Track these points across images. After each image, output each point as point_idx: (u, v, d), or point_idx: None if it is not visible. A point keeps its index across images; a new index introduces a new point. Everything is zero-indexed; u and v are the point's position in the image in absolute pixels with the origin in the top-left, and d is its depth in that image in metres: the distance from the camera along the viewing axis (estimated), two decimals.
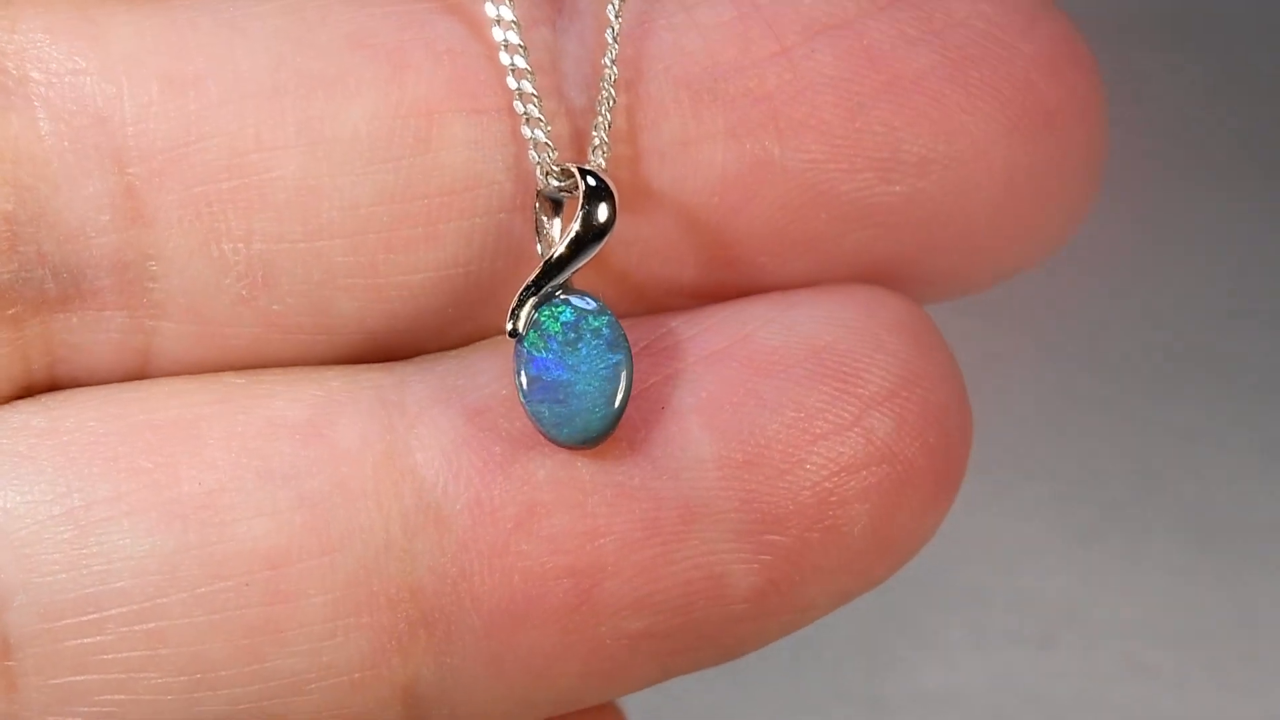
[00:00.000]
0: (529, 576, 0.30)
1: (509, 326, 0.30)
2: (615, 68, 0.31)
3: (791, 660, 0.50)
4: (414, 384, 0.31)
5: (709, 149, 0.31)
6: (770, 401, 0.30)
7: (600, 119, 0.30)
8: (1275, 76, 0.50)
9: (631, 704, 0.49)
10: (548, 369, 0.30)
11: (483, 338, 0.32)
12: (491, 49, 0.31)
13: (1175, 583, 0.51)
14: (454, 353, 0.32)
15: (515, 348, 0.30)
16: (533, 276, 0.30)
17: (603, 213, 0.30)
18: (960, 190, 0.32)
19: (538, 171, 0.30)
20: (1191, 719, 0.50)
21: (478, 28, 0.31)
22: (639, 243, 0.32)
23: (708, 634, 0.31)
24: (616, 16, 0.31)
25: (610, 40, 0.31)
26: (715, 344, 0.31)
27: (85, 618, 0.29)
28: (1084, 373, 0.52)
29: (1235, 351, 0.51)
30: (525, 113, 0.30)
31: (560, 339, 0.30)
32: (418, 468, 0.30)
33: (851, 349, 0.31)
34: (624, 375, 0.30)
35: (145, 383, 0.31)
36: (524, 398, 0.30)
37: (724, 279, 0.32)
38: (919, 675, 0.51)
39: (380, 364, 0.31)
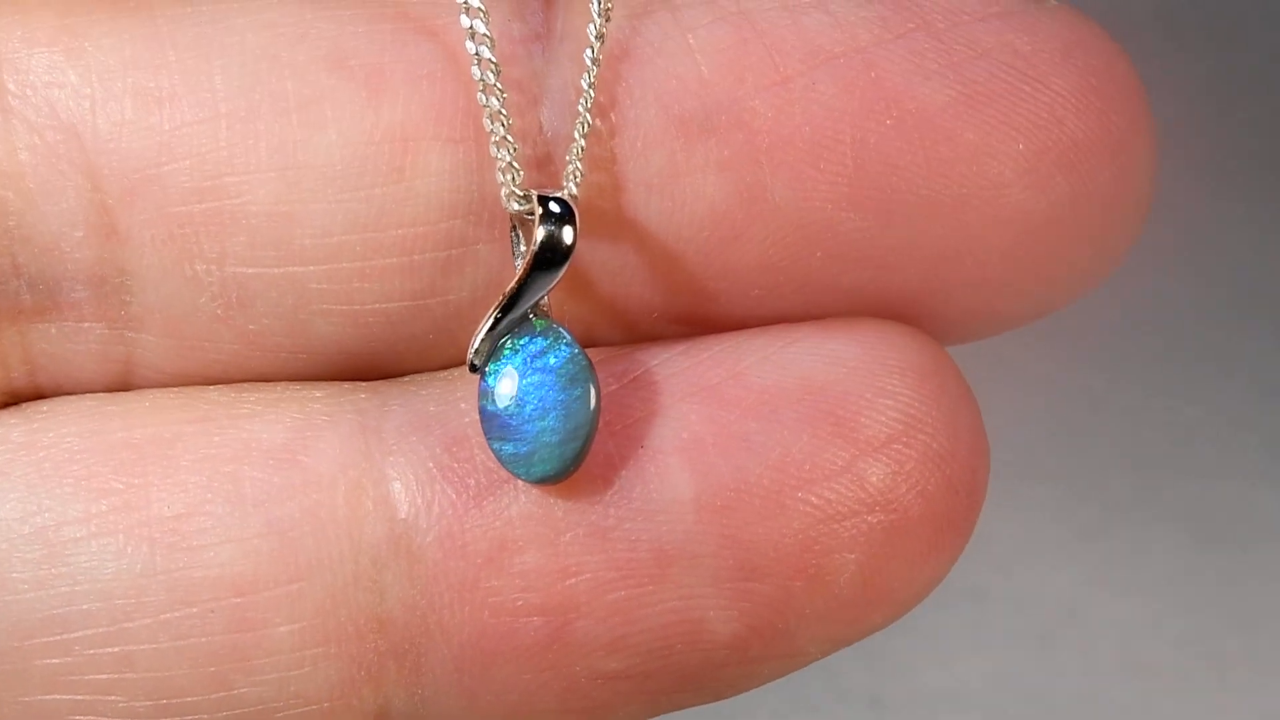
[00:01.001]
0: (499, 612, 0.29)
1: (469, 359, 0.29)
2: (593, 92, 0.30)
3: None
4: (395, 409, 0.30)
5: (699, 181, 0.30)
6: (756, 443, 0.29)
7: (575, 144, 0.30)
8: (1275, 77, 0.50)
9: None
10: (502, 406, 0.29)
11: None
12: (476, 72, 0.30)
13: (1175, 582, 0.51)
14: (441, 375, 0.31)
15: (479, 382, 0.30)
16: (494, 308, 0.29)
17: (563, 238, 0.29)
18: (970, 233, 0.30)
19: (502, 193, 0.30)
20: (1191, 718, 0.50)
21: (459, 50, 0.30)
22: (624, 271, 0.31)
23: (690, 677, 0.30)
24: (597, 38, 0.30)
25: (589, 63, 0.30)
26: (704, 380, 0.30)
27: (53, 638, 0.28)
28: (1085, 373, 0.52)
29: (1235, 351, 0.51)
30: (493, 132, 0.29)
31: (519, 373, 0.29)
32: (391, 497, 0.29)
33: (849, 391, 0.29)
34: (585, 411, 0.29)
35: (128, 395, 0.30)
36: (484, 433, 0.29)
37: (714, 311, 0.31)
38: (918, 674, 0.51)
39: (366, 384, 0.31)
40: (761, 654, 0.30)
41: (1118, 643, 0.50)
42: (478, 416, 0.30)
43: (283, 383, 0.30)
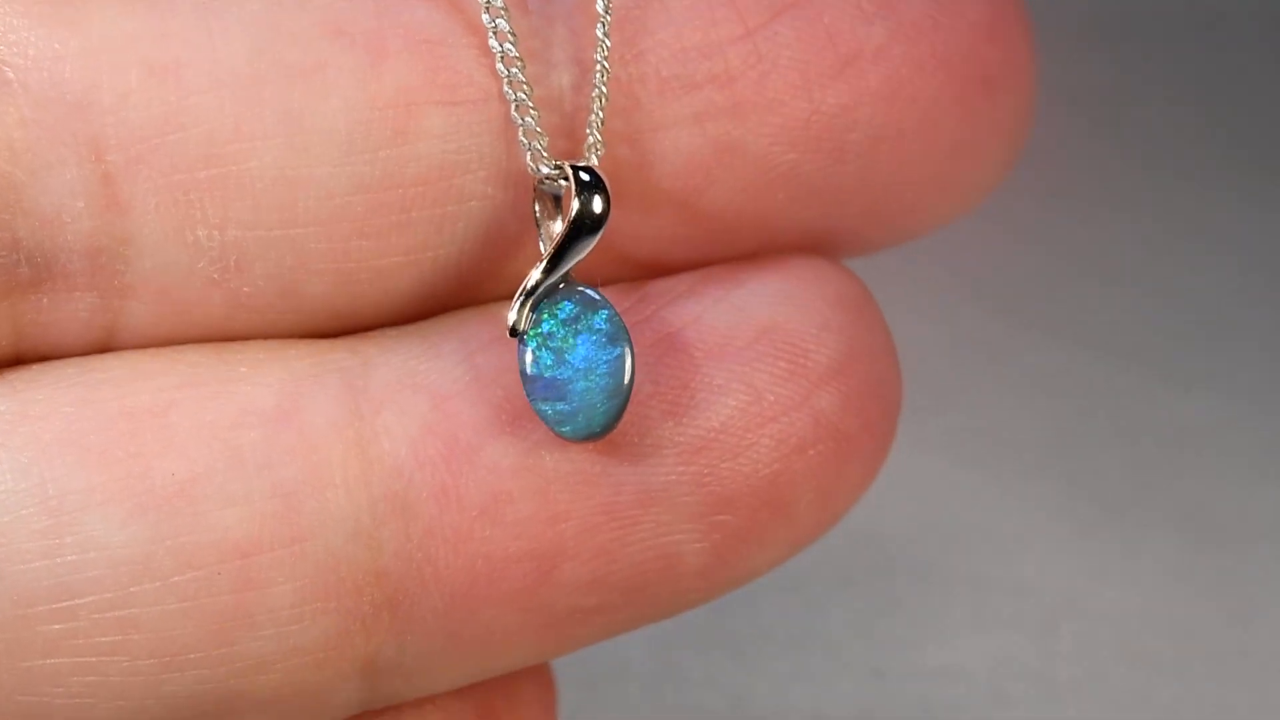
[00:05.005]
0: (491, 561, 0.30)
1: (509, 325, 0.30)
2: (606, 63, 0.30)
3: (793, 636, 0.51)
4: (379, 366, 0.30)
5: (676, 134, 0.31)
6: (722, 384, 0.30)
7: (594, 115, 0.30)
8: (1273, 77, 0.50)
9: (633, 675, 0.50)
10: (547, 366, 0.30)
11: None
12: (471, 36, 0.30)
13: (1174, 577, 0.51)
14: (416, 329, 0.31)
15: (517, 346, 0.30)
16: (531, 274, 0.30)
17: (596, 207, 0.30)
18: (908, 162, 0.32)
19: (527, 158, 0.30)
20: (1190, 708, 0.50)
21: (459, 13, 0.30)
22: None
23: (659, 604, 0.31)
24: (606, 10, 0.30)
25: (600, 35, 0.30)
26: (668, 326, 0.31)
27: (58, 605, 0.28)
28: (1086, 371, 0.52)
29: (1235, 349, 0.51)
30: (515, 101, 0.30)
31: (559, 335, 0.30)
32: (385, 456, 0.29)
33: (799, 327, 0.31)
34: (624, 369, 0.30)
35: (111, 359, 0.30)
36: (527, 395, 0.30)
37: (680, 253, 0.32)
38: (920, 651, 0.51)
39: (344, 341, 0.31)
40: (723, 580, 0.31)
41: (1117, 633, 0.50)
42: (461, 372, 0.30)
43: (258, 340, 0.31)
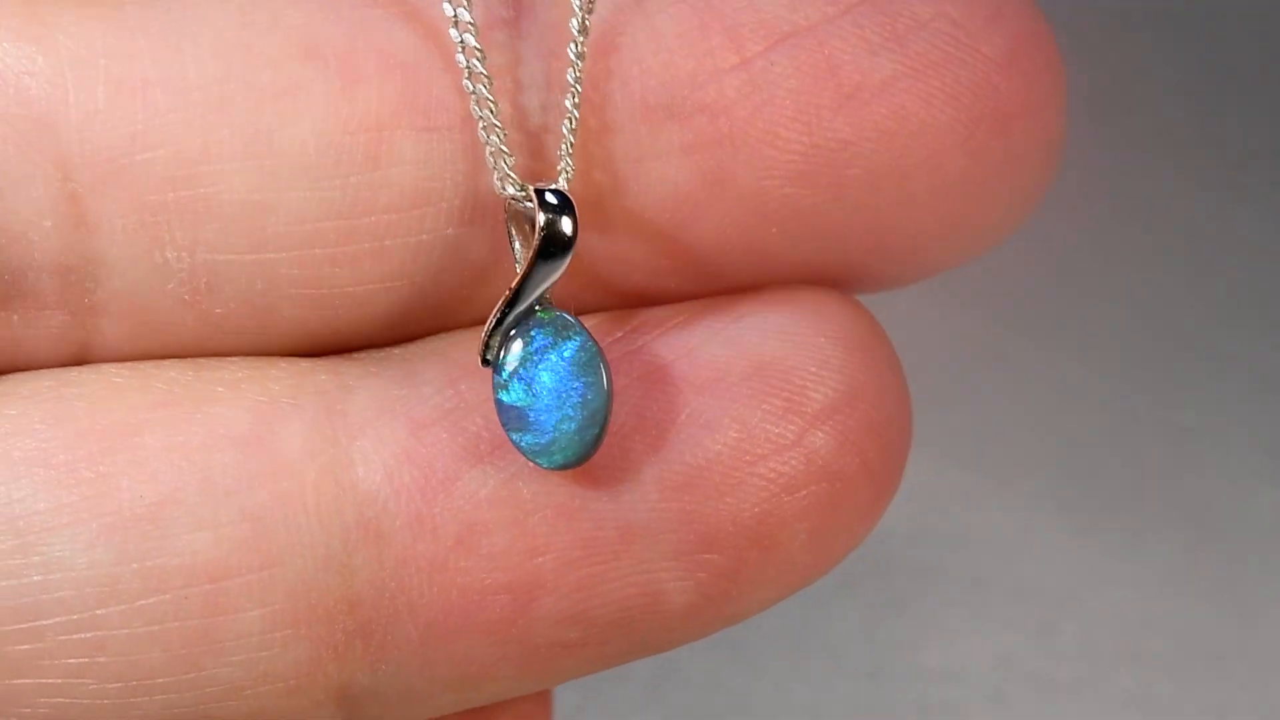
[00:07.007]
0: (467, 592, 0.29)
1: (481, 357, 0.29)
2: (579, 86, 0.29)
3: (793, 636, 0.51)
4: (358, 391, 0.30)
5: (662, 165, 0.30)
6: (712, 420, 0.29)
7: (565, 138, 0.29)
8: (1273, 78, 0.50)
9: (634, 675, 0.51)
10: (517, 397, 0.29)
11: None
12: (448, 59, 0.29)
13: (1173, 577, 0.51)
14: (399, 353, 0.31)
15: (492, 376, 0.29)
16: (500, 303, 0.29)
17: (563, 230, 0.29)
18: (913, 200, 0.30)
19: (494, 178, 0.29)
20: (1190, 708, 0.50)
21: (435, 36, 0.29)
22: (586, 252, 0.30)
23: (643, 642, 0.30)
24: (579, 32, 0.29)
25: (573, 57, 0.29)
26: (659, 359, 0.30)
27: (24, 625, 0.28)
28: (1086, 371, 0.52)
29: (1235, 350, 0.51)
30: (481, 118, 0.29)
31: (530, 365, 0.29)
32: (359, 483, 0.29)
33: (796, 364, 0.30)
34: (600, 397, 0.29)
35: (87, 374, 0.30)
36: (503, 424, 0.29)
37: (671, 285, 0.31)
38: (918, 653, 0.51)
39: (325, 362, 0.30)
40: (710, 619, 0.30)
41: (1117, 633, 0.50)
42: (441, 400, 0.30)
43: (239, 358, 0.30)
